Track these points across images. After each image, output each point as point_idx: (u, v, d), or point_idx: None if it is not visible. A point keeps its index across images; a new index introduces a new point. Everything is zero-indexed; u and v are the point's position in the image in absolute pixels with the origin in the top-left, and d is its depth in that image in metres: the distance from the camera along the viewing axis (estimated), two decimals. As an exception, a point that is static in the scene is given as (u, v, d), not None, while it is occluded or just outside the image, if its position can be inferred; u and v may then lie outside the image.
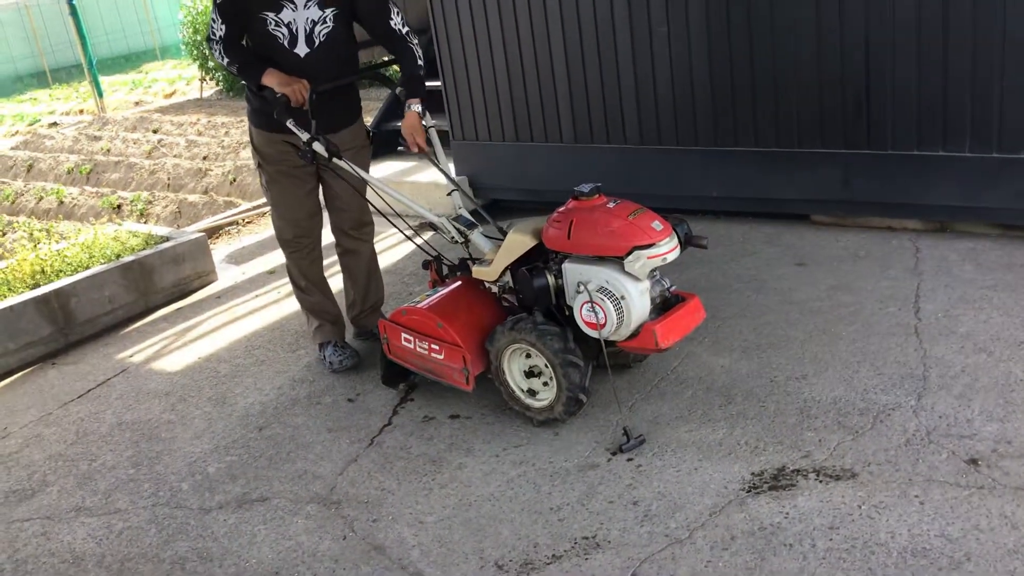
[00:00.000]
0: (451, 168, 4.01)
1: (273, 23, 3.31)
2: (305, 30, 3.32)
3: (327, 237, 3.79)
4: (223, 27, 3.38)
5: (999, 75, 3.83)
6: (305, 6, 3.30)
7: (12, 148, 12.02)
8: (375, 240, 3.86)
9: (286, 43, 3.34)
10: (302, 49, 3.34)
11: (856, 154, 4.30)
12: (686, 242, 2.98)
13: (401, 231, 3.41)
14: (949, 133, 4.03)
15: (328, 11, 3.33)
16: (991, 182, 4.00)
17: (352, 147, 3.50)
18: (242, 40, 3.44)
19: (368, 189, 3.57)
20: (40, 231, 7.54)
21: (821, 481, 2.63)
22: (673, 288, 3.05)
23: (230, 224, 6.62)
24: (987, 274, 3.78)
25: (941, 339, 3.31)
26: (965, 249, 4.05)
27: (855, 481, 2.61)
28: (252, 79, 3.37)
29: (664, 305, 3.02)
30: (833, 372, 3.21)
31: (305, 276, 3.79)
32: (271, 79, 3.30)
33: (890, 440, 2.77)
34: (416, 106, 3.39)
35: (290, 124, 3.28)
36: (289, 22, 3.30)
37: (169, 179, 9.31)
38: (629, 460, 2.89)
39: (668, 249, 2.87)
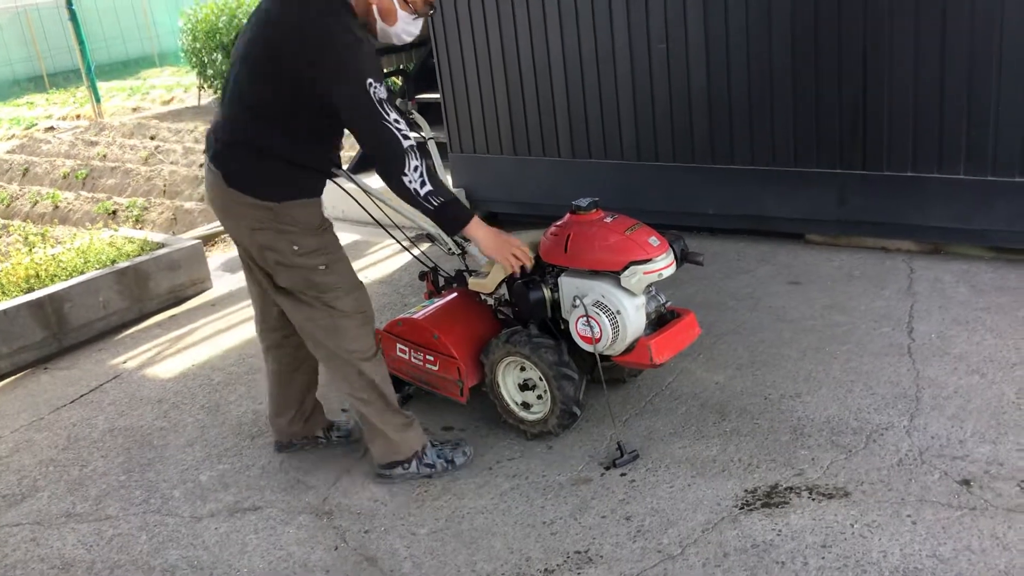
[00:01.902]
0: (449, 180, 4.02)
1: None
2: None
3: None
4: (401, 119, 2.63)
5: (995, 99, 3.87)
6: None
7: (8, 152, 12.00)
8: (371, 250, 3.84)
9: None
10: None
11: (851, 174, 4.33)
12: (682, 258, 2.99)
13: (398, 241, 3.41)
14: (944, 155, 4.06)
15: None
16: (985, 204, 4.03)
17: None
18: None
19: (366, 198, 3.53)
20: (35, 235, 7.51)
21: (814, 499, 2.64)
22: (668, 304, 3.06)
23: (226, 232, 6.61)
24: (980, 296, 3.80)
25: (934, 360, 3.32)
26: (959, 271, 4.07)
27: (848, 500, 2.61)
28: (456, 222, 2.79)
29: (659, 321, 3.03)
30: (827, 391, 3.22)
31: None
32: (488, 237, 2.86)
33: (883, 460, 2.78)
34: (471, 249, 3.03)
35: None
36: None
37: (165, 186, 9.31)
38: (623, 475, 2.89)
39: (664, 265, 2.88)
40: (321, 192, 2.85)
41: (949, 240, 4.26)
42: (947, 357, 3.33)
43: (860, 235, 4.48)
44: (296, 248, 2.74)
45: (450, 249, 3.30)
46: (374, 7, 2.73)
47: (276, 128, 2.69)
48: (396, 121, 2.59)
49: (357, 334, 2.86)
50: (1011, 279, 3.92)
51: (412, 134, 2.65)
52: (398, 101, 3.42)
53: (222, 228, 6.60)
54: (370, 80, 2.55)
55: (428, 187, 2.65)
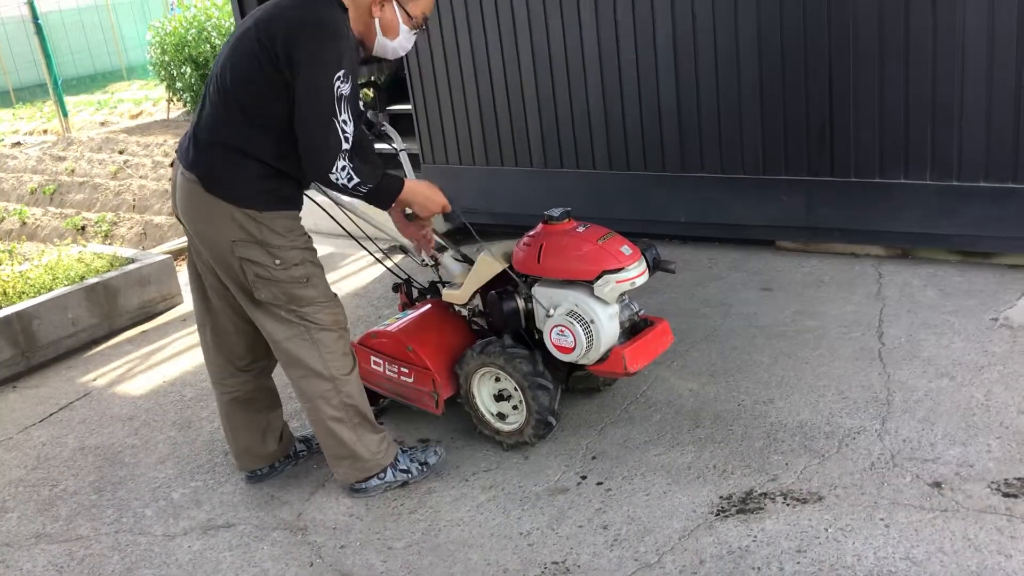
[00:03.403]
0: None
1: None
2: None
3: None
4: (350, 121, 2.60)
5: (958, 105, 3.93)
6: None
7: (-27, 167, 11.84)
8: (344, 263, 3.82)
9: None
10: None
11: (820, 181, 4.38)
12: (655, 267, 3.01)
13: (371, 253, 3.40)
14: (910, 162, 4.12)
15: None
16: (951, 209, 4.09)
17: None
18: None
19: (338, 211, 3.51)
20: (2, 252, 7.41)
21: (788, 504, 2.65)
22: (642, 312, 3.08)
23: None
24: (948, 300, 3.85)
25: (904, 364, 3.36)
26: (927, 275, 4.13)
27: (822, 504, 2.63)
28: (389, 198, 2.81)
29: (633, 329, 3.05)
30: (799, 396, 3.25)
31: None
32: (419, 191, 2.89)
33: (855, 464, 2.80)
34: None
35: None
36: None
37: (135, 200, 9.23)
38: (599, 484, 2.89)
39: (637, 273, 2.89)
40: (301, 206, 2.82)
41: (917, 245, 4.32)
42: (917, 360, 3.37)
43: (830, 241, 4.53)
44: (278, 262, 2.70)
45: (423, 261, 3.30)
46: (376, 20, 2.73)
47: (257, 126, 2.63)
48: (345, 122, 2.56)
49: (334, 348, 2.83)
50: (978, 282, 3.98)
51: (352, 138, 2.61)
52: (369, 113, 3.42)
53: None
54: (340, 73, 2.52)
55: (355, 180, 2.63)
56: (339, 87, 2.53)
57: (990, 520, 2.46)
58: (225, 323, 2.95)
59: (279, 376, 3.07)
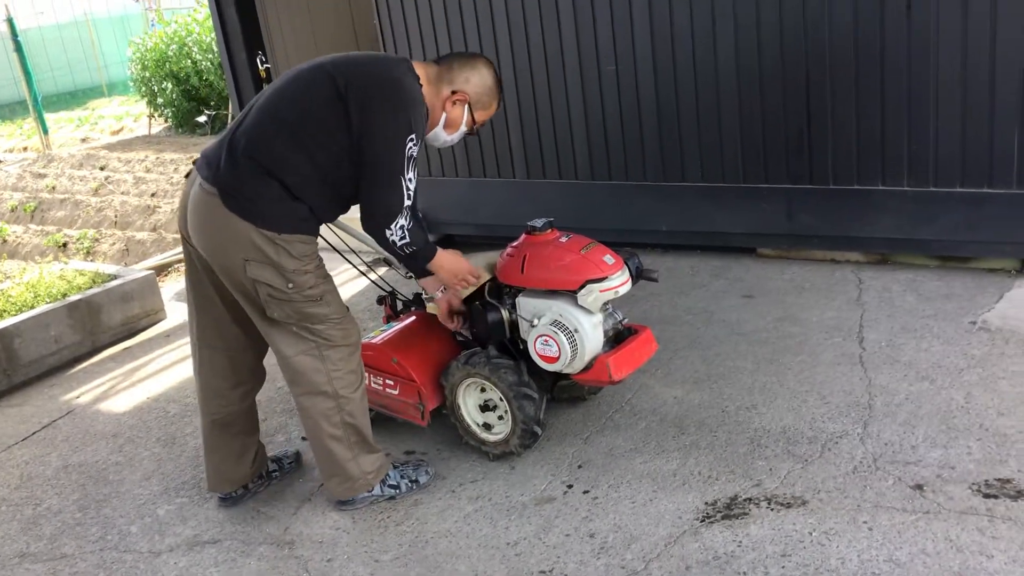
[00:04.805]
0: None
1: None
2: None
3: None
4: (415, 180, 2.71)
5: (933, 113, 3.99)
6: None
7: (-47, 186, 11.76)
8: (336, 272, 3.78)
9: None
10: None
11: (799, 189, 4.43)
12: (638, 275, 3.03)
13: (355, 267, 3.41)
14: (887, 168, 4.17)
15: None
16: (929, 215, 4.14)
17: None
18: None
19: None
20: (-18, 270, 7.36)
21: (773, 509, 2.67)
22: (625, 321, 3.10)
23: (179, 261, 6.55)
24: (927, 304, 3.90)
25: (885, 368, 3.40)
26: (906, 280, 4.18)
27: (805, 508, 2.65)
28: (423, 263, 2.88)
29: (617, 338, 3.07)
30: (782, 401, 3.27)
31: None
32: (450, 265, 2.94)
33: (838, 467, 2.83)
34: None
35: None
36: None
37: (116, 217, 9.19)
38: (585, 492, 2.90)
39: (620, 282, 2.92)
40: (318, 232, 2.80)
41: (895, 250, 4.37)
42: (897, 364, 3.41)
43: (810, 248, 4.57)
44: (291, 286, 2.68)
45: (408, 273, 3.31)
46: (444, 115, 2.83)
47: (306, 160, 2.63)
48: (410, 181, 2.65)
49: (342, 366, 2.82)
50: (956, 286, 4.02)
51: (415, 194, 2.71)
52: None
53: (175, 257, 6.54)
54: (413, 136, 2.62)
55: (406, 239, 2.72)
56: (410, 148, 2.61)
57: (972, 521, 2.49)
58: (229, 343, 2.93)
59: (263, 391, 3.06)
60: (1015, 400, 3.06)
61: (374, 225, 2.68)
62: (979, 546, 2.39)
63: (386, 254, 3.23)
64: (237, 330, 2.92)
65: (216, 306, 2.89)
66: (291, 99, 2.68)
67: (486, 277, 3.11)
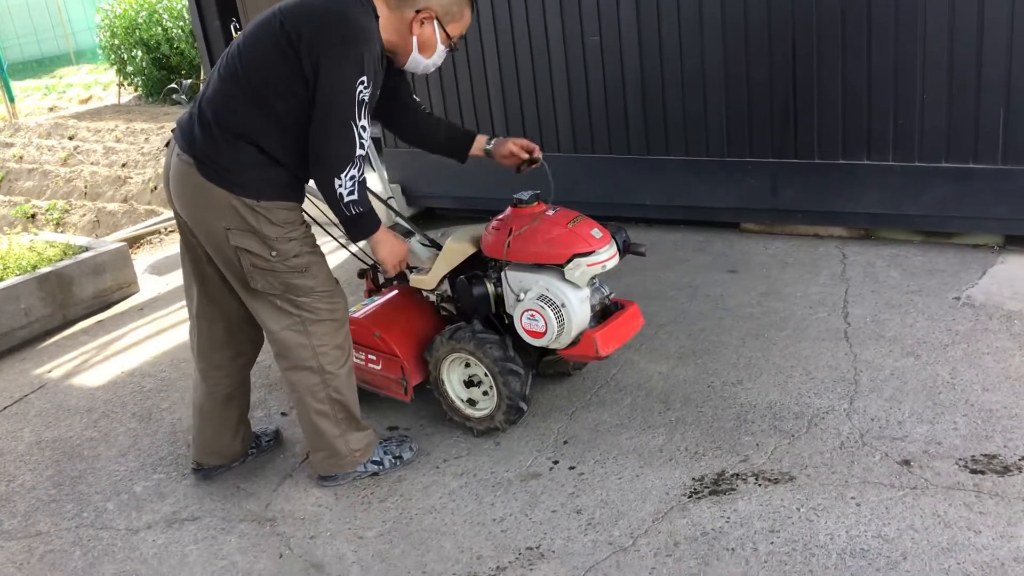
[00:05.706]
0: (384, 176, 3.95)
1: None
2: None
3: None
4: (368, 129, 2.58)
5: (920, 88, 3.96)
6: None
7: (-84, 155, 11.45)
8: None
9: None
10: None
11: (783, 163, 4.40)
12: (625, 250, 2.99)
13: (336, 239, 3.34)
14: (873, 143, 4.15)
15: None
16: (913, 190, 4.13)
17: None
18: None
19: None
20: (-52, 241, 7.18)
21: (760, 485, 2.66)
22: (612, 295, 3.06)
23: (152, 233, 6.43)
24: (911, 279, 3.89)
25: (870, 343, 3.39)
26: (890, 255, 4.17)
27: (793, 484, 2.64)
28: (362, 232, 2.71)
29: (603, 313, 3.03)
30: (767, 377, 3.26)
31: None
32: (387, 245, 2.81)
33: (825, 443, 2.82)
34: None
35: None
36: None
37: (86, 187, 9.00)
38: (571, 468, 2.87)
39: (608, 257, 2.87)
40: (302, 199, 2.72)
41: (879, 225, 4.36)
42: (882, 340, 3.40)
43: (793, 223, 4.55)
44: (274, 254, 2.61)
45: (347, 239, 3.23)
46: (414, 37, 2.68)
47: (267, 115, 2.54)
48: (363, 128, 2.52)
49: (328, 340, 2.76)
50: (940, 262, 4.03)
51: (368, 144, 2.59)
52: None
53: (148, 229, 6.43)
54: (363, 79, 2.48)
55: (354, 196, 2.58)
56: (361, 92, 2.48)
57: (959, 496, 2.49)
58: (227, 314, 2.86)
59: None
60: (999, 376, 3.07)
61: (323, 175, 2.55)
62: (967, 521, 2.39)
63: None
64: (235, 301, 2.85)
65: (211, 277, 2.82)
66: (247, 58, 2.57)
67: (471, 250, 3.05)
